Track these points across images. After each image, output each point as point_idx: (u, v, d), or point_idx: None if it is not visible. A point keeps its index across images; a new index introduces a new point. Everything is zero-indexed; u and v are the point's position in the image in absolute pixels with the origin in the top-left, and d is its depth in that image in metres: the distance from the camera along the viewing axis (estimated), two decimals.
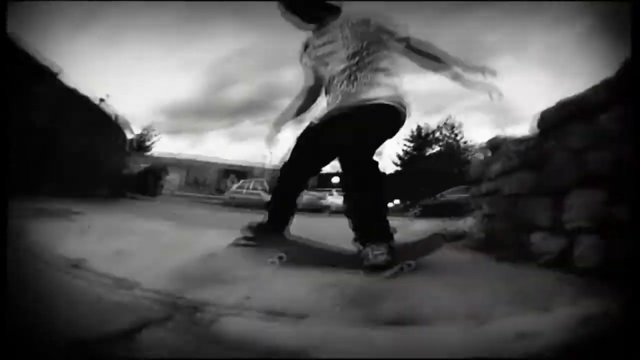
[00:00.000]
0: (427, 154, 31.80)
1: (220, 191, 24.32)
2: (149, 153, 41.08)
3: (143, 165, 13.55)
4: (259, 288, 1.44)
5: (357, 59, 1.76)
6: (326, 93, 1.92)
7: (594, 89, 1.68)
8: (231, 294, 1.33)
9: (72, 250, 1.76)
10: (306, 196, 14.66)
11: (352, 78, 1.77)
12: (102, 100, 6.36)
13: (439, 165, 30.25)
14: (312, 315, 1.18)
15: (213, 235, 2.66)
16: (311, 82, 2.03)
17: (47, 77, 3.96)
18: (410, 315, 1.17)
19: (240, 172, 33.65)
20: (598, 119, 1.63)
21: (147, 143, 41.57)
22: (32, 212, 2.59)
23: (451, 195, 14.77)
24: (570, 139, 1.80)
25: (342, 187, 1.87)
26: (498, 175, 2.51)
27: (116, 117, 7.78)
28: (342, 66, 1.78)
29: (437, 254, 2.22)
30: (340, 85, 1.79)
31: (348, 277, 1.57)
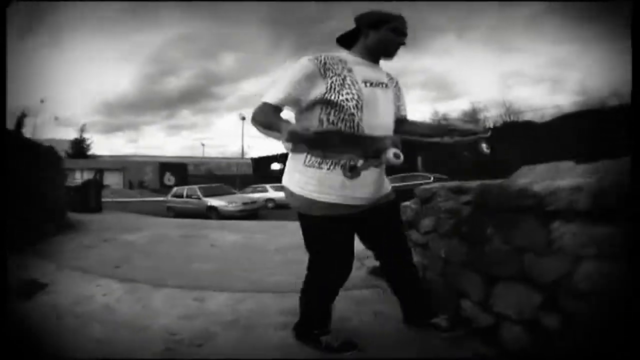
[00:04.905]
0: None
1: (166, 187, 22.76)
2: (89, 152, 36.78)
3: (80, 180, 11.53)
4: None
5: None
6: None
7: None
8: None
9: None
10: (246, 196, 14.06)
11: None
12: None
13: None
14: None
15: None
16: None
17: None
18: None
19: (177, 167, 31.71)
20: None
21: (86, 144, 37.04)
22: None
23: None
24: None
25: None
26: (428, 232, 2.32)
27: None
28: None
29: None
30: None
31: None
